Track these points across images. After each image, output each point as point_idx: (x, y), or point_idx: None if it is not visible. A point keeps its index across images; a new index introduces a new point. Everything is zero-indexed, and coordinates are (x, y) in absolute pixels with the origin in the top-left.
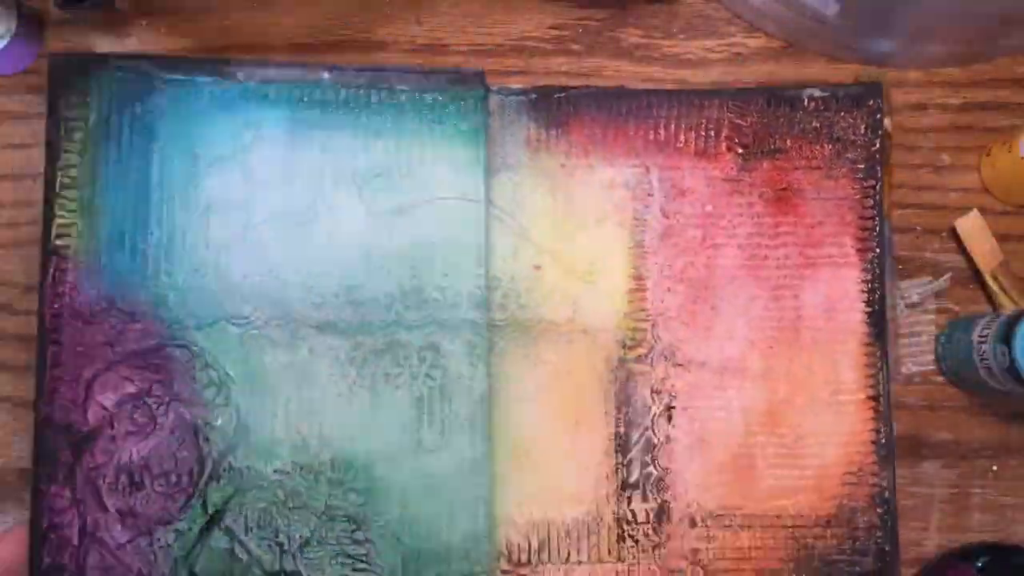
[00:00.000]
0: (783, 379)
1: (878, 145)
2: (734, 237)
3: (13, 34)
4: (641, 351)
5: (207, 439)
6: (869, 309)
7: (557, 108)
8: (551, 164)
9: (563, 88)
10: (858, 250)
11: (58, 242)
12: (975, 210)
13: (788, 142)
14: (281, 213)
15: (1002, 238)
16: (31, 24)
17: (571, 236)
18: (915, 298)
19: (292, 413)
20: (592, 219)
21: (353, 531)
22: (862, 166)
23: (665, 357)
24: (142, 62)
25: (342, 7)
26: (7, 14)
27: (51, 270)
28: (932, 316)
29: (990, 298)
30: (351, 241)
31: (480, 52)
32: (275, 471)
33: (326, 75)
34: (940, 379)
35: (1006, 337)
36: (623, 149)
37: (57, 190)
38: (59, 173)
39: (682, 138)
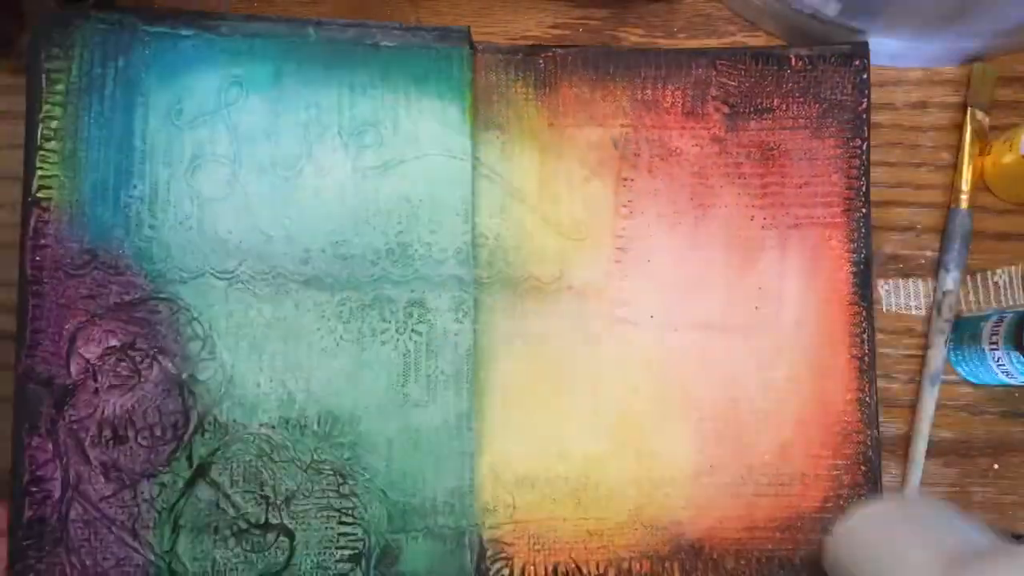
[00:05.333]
0: (769, 338)
1: (864, 104)
2: (721, 197)
3: None
4: (628, 310)
5: (192, 393)
6: (855, 269)
7: (544, 67)
8: (539, 123)
9: (550, 47)
10: (844, 210)
11: (40, 194)
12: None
13: (775, 101)
14: (267, 168)
15: (1002, 237)
16: None
17: (558, 195)
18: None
19: (278, 368)
20: (579, 178)
21: (339, 485)
22: (849, 125)
23: (652, 316)
24: (125, 15)
25: (342, 6)
26: None
27: (32, 222)
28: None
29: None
30: (337, 196)
31: None
32: (261, 425)
33: (311, 30)
34: (940, 377)
35: (1017, 341)
36: (611, 109)
37: (38, 143)
38: (40, 125)
39: (669, 98)
